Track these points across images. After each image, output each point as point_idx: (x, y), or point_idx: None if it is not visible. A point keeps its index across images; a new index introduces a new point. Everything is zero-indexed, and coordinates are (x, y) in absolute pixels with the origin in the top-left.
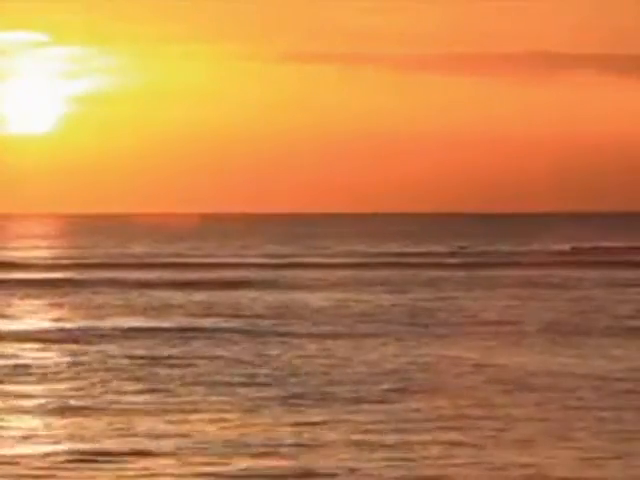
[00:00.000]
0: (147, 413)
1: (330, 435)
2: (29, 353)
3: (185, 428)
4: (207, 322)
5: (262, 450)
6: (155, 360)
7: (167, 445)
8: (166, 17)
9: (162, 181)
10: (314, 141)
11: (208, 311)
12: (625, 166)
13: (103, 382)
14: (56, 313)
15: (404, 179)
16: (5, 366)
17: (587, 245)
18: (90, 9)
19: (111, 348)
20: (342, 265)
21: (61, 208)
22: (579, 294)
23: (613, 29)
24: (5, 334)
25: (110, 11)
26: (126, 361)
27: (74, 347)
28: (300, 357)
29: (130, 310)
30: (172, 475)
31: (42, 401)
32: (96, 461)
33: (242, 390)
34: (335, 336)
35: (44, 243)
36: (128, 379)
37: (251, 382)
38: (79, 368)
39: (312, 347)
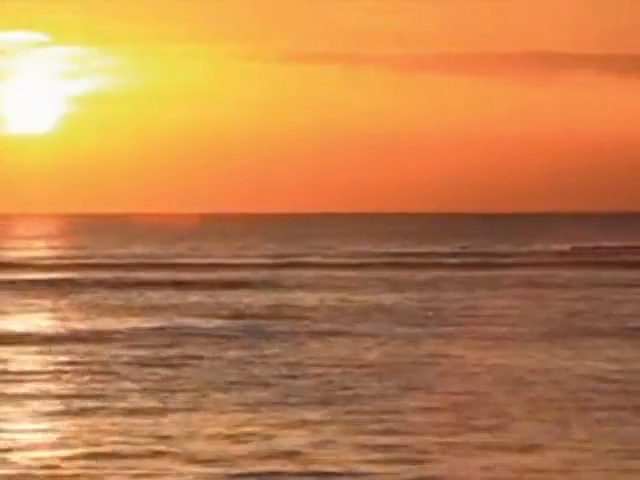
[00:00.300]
0: (154, 413)
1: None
2: (24, 356)
3: (192, 428)
4: (207, 323)
5: (264, 449)
6: (157, 361)
7: (174, 444)
8: (166, 17)
9: (162, 181)
10: (314, 141)
11: (209, 311)
12: (625, 166)
13: (103, 383)
14: (56, 313)
15: (404, 179)
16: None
17: (587, 245)
18: (90, 9)
19: (111, 349)
20: (342, 265)
21: (61, 208)
22: (579, 294)
23: (612, 29)
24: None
25: (110, 11)
26: (128, 361)
27: (74, 348)
28: (301, 357)
29: (130, 310)
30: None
31: (48, 402)
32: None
33: (246, 390)
34: (335, 335)
35: (44, 243)
36: (130, 380)
37: (254, 382)
38: (81, 368)
39: (315, 346)
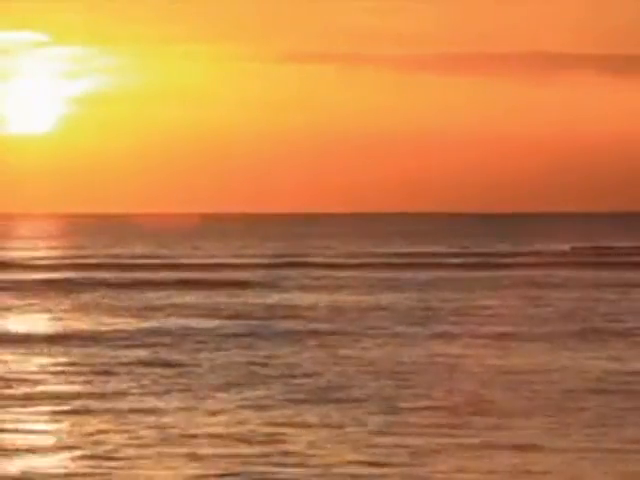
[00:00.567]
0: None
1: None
2: (24, 357)
3: (193, 428)
4: (207, 323)
5: (264, 449)
6: (157, 361)
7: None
8: (166, 17)
9: (162, 181)
10: (314, 141)
11: (209, 311)
12: (625, 166)
13: (105, 383)
14: (56, 314)
15: (404, 179)
16: None
17: (587, 245)
18: (91, 9)
19: (112, 349)
20: (342, 265)
21: (61, 208)
22: (579, 294)
23: (612, 29)
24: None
25: (110, 11)
26: (129, 362)
27: (74, 348)
28: (301, 357)
29: (129, 311)
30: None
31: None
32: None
33: (246, 390)
34: (335, 334)
35: (44, 243)
36: (130, 380)
37: (254, 382)
38: (82, 369)
39: (315, 346)
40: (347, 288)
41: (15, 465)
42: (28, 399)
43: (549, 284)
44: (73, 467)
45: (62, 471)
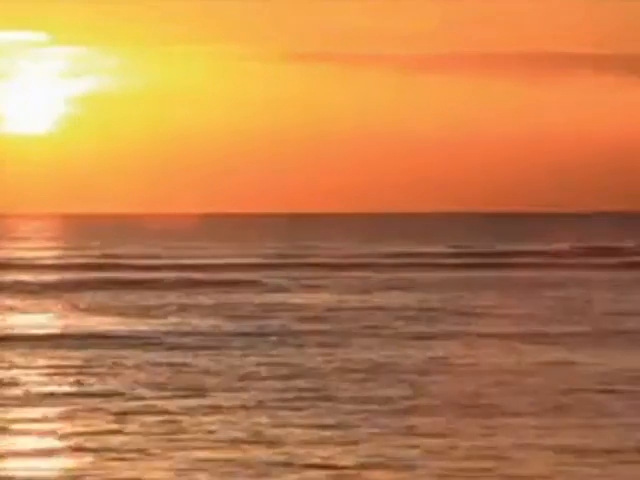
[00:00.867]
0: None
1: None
2: (24, 357)
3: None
4: (207, 323)
5: (265, 448)
6: (157, 361)
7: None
8: (166, 17)
9: (162, 181)
10: (314, 141)
11: (208, 312)
12: (625, 166)
13: (107, 383)
14: (56, 314)
15: (404, 178)
16: None
17: (587, 245)
18: (91, 9)
19: (112, 350)
20: (342, 265)
21: (61, 208)
22: (578, 294)
23: (612, 29)
24: None
25: (111, 11)
26: (129, 362)
27: (75, 349)
28: (301, 357)
29: (129, 311)
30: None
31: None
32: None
33: (245, 390)
34: (334, 334)
35: (43, 243)
36: (131, 380)
37: (254, 382)
38: (83, 370)
39: (315, 346)
40: (347, 288)
41: (20, 467)
42: (30, 399)
43: (549, 284)
44: (77, 468)
45: (66, 473)
